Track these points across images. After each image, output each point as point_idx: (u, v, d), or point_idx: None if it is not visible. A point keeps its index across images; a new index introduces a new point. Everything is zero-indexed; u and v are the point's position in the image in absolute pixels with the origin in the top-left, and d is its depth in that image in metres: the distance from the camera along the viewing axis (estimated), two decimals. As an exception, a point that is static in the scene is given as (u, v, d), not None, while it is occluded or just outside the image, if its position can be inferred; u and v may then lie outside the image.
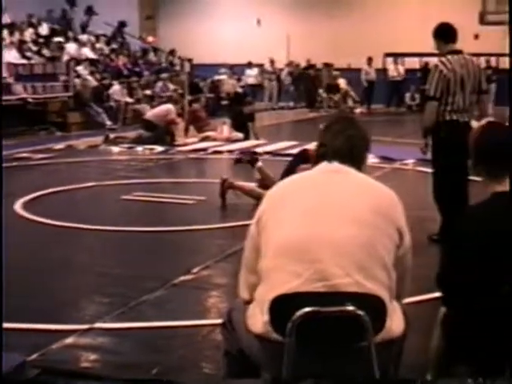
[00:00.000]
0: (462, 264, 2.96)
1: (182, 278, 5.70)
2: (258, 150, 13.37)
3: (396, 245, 2.87)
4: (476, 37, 23.81)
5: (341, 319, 2.66)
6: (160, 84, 20.72)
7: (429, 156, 6.91)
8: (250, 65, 25.30)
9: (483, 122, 3.48)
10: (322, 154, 3.05)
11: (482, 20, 25.18)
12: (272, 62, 25.60)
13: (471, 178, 6.07)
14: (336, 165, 2.98)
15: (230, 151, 13.45)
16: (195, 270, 5.89)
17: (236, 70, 24.89)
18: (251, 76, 25.33)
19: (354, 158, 3.03)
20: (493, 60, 24.67)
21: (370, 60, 25.37)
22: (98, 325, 4.70)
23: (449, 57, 6.54)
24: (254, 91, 24.46)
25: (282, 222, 2.85)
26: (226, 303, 4.79)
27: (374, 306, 2.69)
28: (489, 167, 3.07)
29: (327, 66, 25.76)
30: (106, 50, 22.22)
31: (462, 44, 6.81)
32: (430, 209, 6.97)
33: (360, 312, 2.62)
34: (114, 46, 22.98)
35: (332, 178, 2.96)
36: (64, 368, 3.99)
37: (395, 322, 2.85)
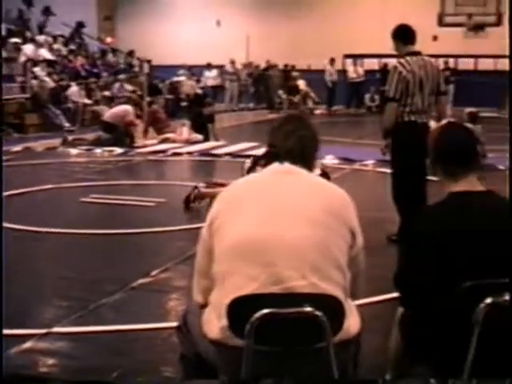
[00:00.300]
0: (418, 264, 2.98)
1: (142, 280, 5.67)
2: (218, 151, 13.38)
3: (349, 245, 2.87)
4: (435, 38, 24.08)
5: (299, 321, 2.66)
6: (117, 85, 20.55)
7: (388, 157, 6.95)
8: (209, 66, 25.24)
9: (443, 122, 3.53)
10: (273, 155, 3.04)
11: (441, 22, 25.50)
12: (233, 62, 25.56)
13: (430, 178, 6.13)
14: (288, 165, 2.97)
15: (190, 153, 13.43)
16: (154, 273, 5.86)
17: (195, 71, 24.82)
18: (210, 77, 25.27)
19: (305, 158, 3.02)
20: (451, 61, 24.95)
21: (332, 61, 25.51)
22: (56, 329, 4.66)
23: (407, 58, 6.58)
24: (215, 92, 24.43)
25: (234, 223, 2.84)
26: (185, 306, 4.77)
27: (332, 307, 2.69)
28: (446, 167, 3.11)
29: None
30: (64, 50, 21.98)
31: (421, 45, 6.86)
32: (390, 209, 7.01)
33: (318, 313, 2.62)
34: (72, 46, 22.73)
35: (284, 178, 2.95)
36: (23, 373, 3.94)
37: (352, 322, 2.86)
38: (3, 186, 6.43)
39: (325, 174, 7.01)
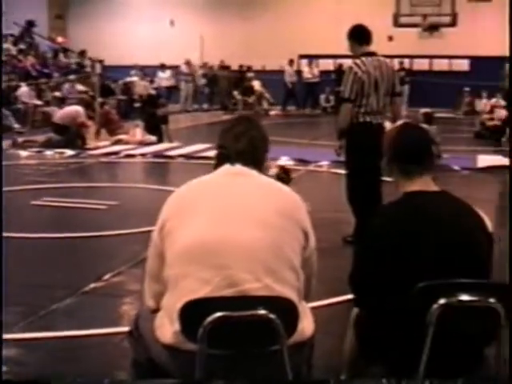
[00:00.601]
0: (373, 264, 2.98)
1: (93, 285, 5.59)
2: (172, 153, 13.29)
3: (302, 246, 2.87)
4: (390, 39, 24.31)
5: (252, 324, 2.63)
6: (67, 86, 20.30)
7: (343, 158, 6.94)
8: (162, 67, 25.11)
9: (399, 122, 3.55)
10: (223, 157, 3.01)
11: (396, 22, 25.77)
12: (188, 63, 25.42)
13: (384, 178, 6.14)
14: (239, 167, 2.95)
15: (143, 155, 13.32)
16: (107, 277, 5.78)
17: (149, 71, 24.65)
18: (164, 78, 25.12)
19: (256, 159, 3.01)
20: (406, 62, 25.21)
21: (291, 62, 25.59)
22: (5, 335, 4.53)
23: (363, 59, 6.58)
24: (169, 93, 24.30)
25: (186, 226, 2.80)
26: (137, 310, 4.71)
27: (286, 309, 2.67)
28: (402, 166, 3.11)
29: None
30: (14, 50, 21.67)
31: (376, 46, 6.87)
32: (345, 211, 7.01)
33: (271, 315, 2.60)
34: (22, 46, 22.42)
35: (235, 180, 2.93)
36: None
37: (306, 325, 2.86)
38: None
39: (285, 172, 6.97)
